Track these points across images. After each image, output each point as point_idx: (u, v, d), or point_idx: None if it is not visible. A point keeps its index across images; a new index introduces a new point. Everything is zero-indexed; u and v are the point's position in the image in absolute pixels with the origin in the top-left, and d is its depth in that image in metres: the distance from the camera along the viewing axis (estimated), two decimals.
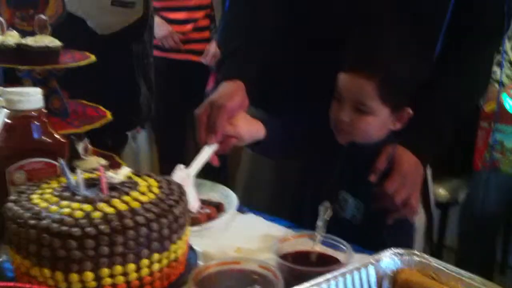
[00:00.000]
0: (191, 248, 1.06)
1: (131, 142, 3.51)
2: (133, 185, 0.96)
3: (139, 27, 2.29)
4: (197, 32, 3.08)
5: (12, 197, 0.94)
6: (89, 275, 0.84)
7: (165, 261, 0.91)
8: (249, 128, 1.22)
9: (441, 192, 2.69)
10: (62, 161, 0.99)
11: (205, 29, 3.11)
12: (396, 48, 1.21)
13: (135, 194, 0.92)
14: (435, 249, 2.69)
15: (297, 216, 1.33)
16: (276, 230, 1.23)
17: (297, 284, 0.84)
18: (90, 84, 1.73)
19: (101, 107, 1.58)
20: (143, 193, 0.93)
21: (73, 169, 0.98)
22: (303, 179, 1.39)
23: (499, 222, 2.52)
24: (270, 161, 1.49)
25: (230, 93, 1.22)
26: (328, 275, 0.87)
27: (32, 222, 0.86)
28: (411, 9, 1.25)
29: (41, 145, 1.11)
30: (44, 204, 0.90)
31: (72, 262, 0.84)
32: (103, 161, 1.38)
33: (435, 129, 1.29)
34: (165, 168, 1.11)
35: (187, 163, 1.20)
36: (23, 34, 1.48)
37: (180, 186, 1.00)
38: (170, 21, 3.04)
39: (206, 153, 1.18)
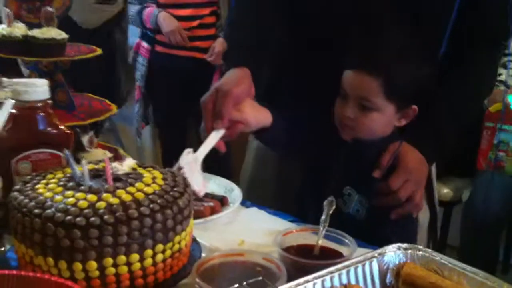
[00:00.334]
0: (194, 241, 1.07)
1: (135, 137, 3.52)
2: (138, 176, 0.96)
3: (120, 18, 2.33)
4: (202, 29, 3.08)
5: (17, 187, 0.94)
6: (93, 265, 0.84)
7: (168, 252, 0.91)
8: (256, 114, 1.21)
9: (444, 191, 2.69)
10: (67, 151, 0.99)
11: (211, 26, 3.11)
12: (398, 48, 1.21)
13: (139, 185, 0.92)
14: (437, 247, 2.69)
15: (301, 211, 1.33)
16: (280, 224, 1.23)
17: (300, 276, 0.85)
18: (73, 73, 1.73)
19: (106, 101, 1.58)
20: (147, 184, 0.93)
21: (78, 161, 0.98)
22: (307, 174, 1.39)
23: (502, 222, 2.52)
24: (274, 157, 1.49)
25: (236, 79, 1.21)
26: (332, 268, 0.88)
27: (37, 211, 0.86)
28: (414, 9, 1.24)
29: (46, 136, 1.11)
30: (49, 194, 0.90)
31: (76, 252, 0.84)
32: (108, 154, 1.38)
33: (439, 130, 1.29)
34: (168, 164, 1.10)
35: None
36: (30, 26, 1.49)
37: (184, 179, 1.00)
38: (176, 18, 3.04)
39: (213, 138, 1.16)
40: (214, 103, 1.18)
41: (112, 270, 0.86)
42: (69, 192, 0.89)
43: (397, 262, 0.92)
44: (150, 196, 0.90)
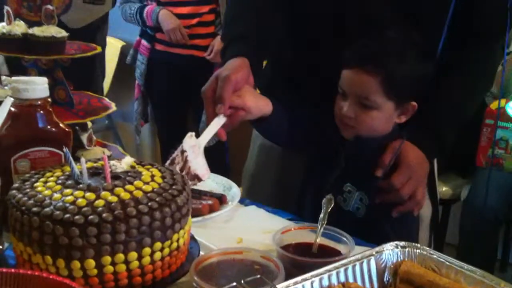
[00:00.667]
0: (193, 239, 1.07)
1: (134, 135, 3.52)
2: (136, 175, 0.96)
3: (104, 19, 2.33)
4: (202, 27, 3.08)
5: (16, 185, 0.95)
6: (91, 263, 0.85)
7: (167, 250, 0.91)
8: (257, 101, 1.20)
9: (443, 189, 2.69)
10: (66, 149, 0.99)
11: (210, 24, 3.10)
12: (397, 47, 1.21)
13: (138, 183, 0.92)
14: (436, 245, 2.69)
15: (301, 208, 1.33)
16: (278, 222, 1.24)
17: (298, 274, 0.85)
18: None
19: (105, 98, 1.58)
20: (146, 183, 0.93)
21: (77, 159, 0.98)
22: (308, 171, 1.39)
23: (500, 220, 2.52)
24: (277, 154, 1.49)
25: (235, 66, 1.20)
26: (329, 267, 0.88)
27: (35, 209, 0.86)
28: (411, 8, 1.24)
29: (45, 134, 1.11)
30: (47, 192, 0.90)
31: (74, 250, 0.84)
32: (107, 152, 1.38)
33: (438, 127, 1.29)
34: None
35: None
36: (30, 24, 1.49)
37: (183, 176, 1.00)
38: (175, 16, 3.04)
39: (215, 124, 1.15)
40: (214, 91, 1.17)
41: (110, 268, 0.86)
42: (67, 190, 0.90)
43: (394, 260, 0.93)
44: (149, 194, 0.90)
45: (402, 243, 0.94)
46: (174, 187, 0.94)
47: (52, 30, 1.45)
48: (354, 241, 1.03)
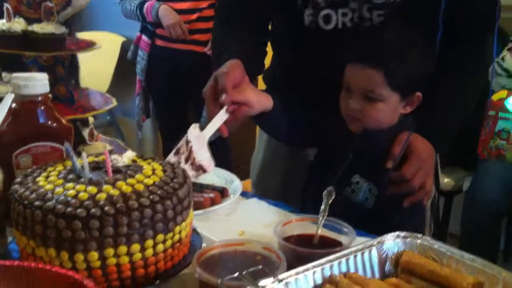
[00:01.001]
0: (195, 231, 1.07)
1: (136, 131, 3.53)
2: (138, 168, 0.97)
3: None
4: (201, 22, 3.08)
5: (18, 180, 0.95)
6: (94, 255, 0.85)
7: (169, 243, 0.91)
8: (258, 96, 1.21)
9: (445, 180, 2.69)
10: (67, 144, 0.99)
11: (210, 19, 3.09)
12: (399, 40, 1.22)
13: (139, 176, 0.93)
14: (439, 236, 2.70)
15: (308, 201, 1.34)
16: (280, 214, 1.24)
17: (299, 266, 0.85)
18: None
19: (106, 94, 1.59)
20: (147, 176, 0.94)
21: (78, 154, 0.99)
22: (315, 163, 1.40)
23: (503, 210, 2.52)
24: (283, 147, 1.50)
25: (231, 65, 1.22)
26: (331, 257, 0.88)
27: (38, 203, 0.87)
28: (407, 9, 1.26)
29: (46, 130, 1.12)
30: (49, 186, 0.90)
31: (77, 243, 0.85)
32: (109, 147, 1.39)
33: (443, 117, 1.31)
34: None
35: None
36: (30, 21, 1.49)
37: (184, 170, 1.01)
38: (175, 11, 3.04)
39: (218, 119, 1.15)
40: (214, 89, 1.18)
41: (113, 260, 0.86)
42: (69, 184, 0.90)
43: (396, 251, 0.93)
44: (150, 187, 0.91)
45: (403, 234, 0.94)
46: (175, 180, 0.95)
47: (51, 27, 1.45)
48: (356, 232, 1.03)
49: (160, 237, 0.90)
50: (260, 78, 1.56)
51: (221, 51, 1.32)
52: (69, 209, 0.85)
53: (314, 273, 0.85)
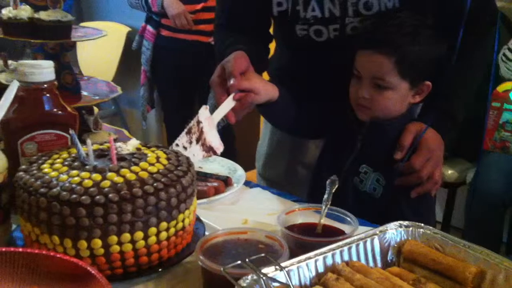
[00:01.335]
0: (198, 220, 1.08)
1: (141, 121, 3.53)
2: (142, 156, 0.97)
3: None
4: (207, 12, 3.07)
5: (23, 167, 0.96)
6: (98, 242, 0.86)
7: (172, 230, 0.92)
8: (264, 84, 1.22)
9: (449, 172, 2.69)
10: (72, 131, 1.00)
11: (215, 9, 3.09)
12: (411, 28, 1.22)
13: (144, 164, 0.93)
14: (442, 228, 2.70)
15: (315, 191, 1.34)
16: (283, 204, 1.24)
17: (302, 254, 0.86)
18: None
19: (111, 82, 1.59)
20: (152, 164, 0.94)
21: (83, 143, 0.99)
22: (322, 155, 1.40)
23: (506, 202, 2.52)
24: (288, 137, 1.50)
25: (237, 55, 1.23)
26: (333, 246, 0.88)
27: (43, 190, 0.87)
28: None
29: (52, 117, 1.12)
30: (54, 174, 0.91)
31: (81, 230, 0.85)
32: (113, 135, 1.39)
33: (451, 107, 1.31)
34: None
35: None
36: (36, 8, 1.49)
37: (188, 158, 1.01)
38: (180, 1, 3.03)
39: (226, 105, 1.16)
40: (221, 77, 1.20)
41: (116, 247, 0.87)
42: (74, 172, 0.91)
43: (398, 240, 0.93)
44: (154, 175, 0.91)
45: (405, 223, 0.94)
46: (179, 168, 0.95)
47: (58, 15, 1.45)
48: (359, 222, 1.03)
49: (164, 225, 0.90)
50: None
51: (224, 48, 1.32)
52: (73, 196, 0.85)
53: (316, 261, 0.85)
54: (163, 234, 0.91)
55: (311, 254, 0.86)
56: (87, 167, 0.92)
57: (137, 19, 3.47)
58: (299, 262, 0.84)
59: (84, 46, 3.75)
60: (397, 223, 0.94)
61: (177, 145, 1.11)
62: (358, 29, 1.29)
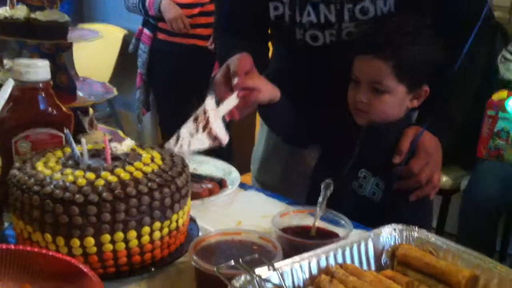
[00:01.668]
0: (192, 220, 1.08)
1: (136, 124, 3.53)
2: (137, 156, 0.97)
3: None
4: (203, 17, 3.07)
5: (17, 165, 0.95)
6: (91, 241, 0.86)
7: (166, 230, 0.92)
8: (267, 84, 1.24)
9: (443, 179, 2.69)
10: (67, 130, 1.00)
11: (212, 13, 3.08)
12: (408, 32, 1.22)
13: (138, 164, 0.93)
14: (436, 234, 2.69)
15: (313, 195, 1.34)
16: (277, 206, 1.24)
17: (296, 256, 0.85)
18: None
19: (107, 83, 1.59)
20: (146, 164, 0.94)
21: (78, 142, 0.99)
22: (322, 157, 1.40)
23: (500, 210, 2.52)
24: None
25: (242, 56, 1.24)
26: (327, 248, 0.88)
27: (36, 188, 0.87)
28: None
29: (46, 116, 1.12)
30: (48, 172, 0.91)
31: (74, 228, 0.85)
32: (108, 136, 1.39)
33: (449, 112, 1.31)
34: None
35: None
36: (33, 8, 1.49)
37: (183, 159, 1.01)
38: (177, 5, 3.04)
39: (230, 101, 1.17)
40: (225, 76, 1.21)
41: (109, 246, 0.87)
42: (68, 170, 0.90)
43: (392, 243, 0.93)
44: (149, 175, 0.91)
45: (400, 226, 0.94)
46: (173, 168, 0.95)
47: (54, 15, 1.44)
48: (353, 225, 1.03)
49: (157, 224, 0.90)
50: None
51: (226, 51, 1.33)
52: (67, 194, 0.85)
53: (310, 263, 0.85)
54: (157, 234, 0.90)
55: (305, 255, 0.85)
56: (81, 166, 0.92)
57: (134, 22, 3.47)
58: (292, 263, 0.84)
59: (81, 48, 3.73)
60: (391, 226, 0.94)
61: (181, 132, 1.12)
62: (353, 34, 1.29)
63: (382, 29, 1.24)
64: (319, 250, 0.87)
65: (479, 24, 1.19)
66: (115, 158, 0.96)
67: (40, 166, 0.93)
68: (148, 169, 0.93)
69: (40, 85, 1.10)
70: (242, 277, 0.78)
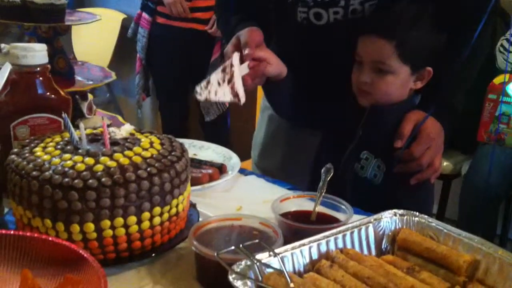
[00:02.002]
0: (192, 206, 1.07)
1: (136, 109, 3.52)
2: (136, 141, 0.96)
3: None
4: (203, 0, 3.05)
5: (15, 150, 0.95)
6: (90, 227, 0.85)
7: (166, 216, 0.91)
8: (276, 58, 1.25)
9: (444, 164, 2.69)
10: (65, 115, 0.99)
11: None
12: (412, 14, 1.22)
13: (137, 149, 0.93)
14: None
15: (315, 179, 1.34)
16: (278, 192, 1.23)
17: (296, 241, 0.85)
18: None
19: (105, 68, 1.58)
20: (145, 149, 0.93)
21: (77, 128, 0.98)
22: (324, 139, 1.40)
23: (500, 195, 2.52)
24: (286, 124, 1.50)
25: (252, 29, 1.26)
26: (327, 233, 0.88)
27: (35, 173, 0.86)
28: None
29: (45, 101, 1.11)
30: (46, 157, 0.90)
31: (74, 213, 0.85)
32: (107, 121, 1.38)
33: (450, 96, 1.31)
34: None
35: (190, 132, 1.19)
36: None
37: (181, 144, 1.00)
38: None
39: (243, 68, 1.18)
40: (237, 47, 1.22)
41: (109, 232, 0.86)
42: (66, 155, 0.90)
43: (393, 228, 0.93)
44: (148, 160, 0.90)
45: (400, 211, 0.94)
46: (173, 153, 0.95)
47: None
48: (353, 210, 1.03)
49: (157, 210, 0.90)
50: None
51: (233, 26, 1.32)
52: (66, 179, 0.84)
53: (310, 248, 0.85)
54: (156, 219, 0.90)
55: (305, 241, 0.85)
56: (80, 151, 0.91)
57: (132, 6, 3.45)
58: (293, 248, 0.83)
59: (79, 33, 3.72)
60: (391, 211, 0.94)
61: (212, 78, 1.13)
62: (358, 11, 1.28)
63: (385, 11, 1.24)
64: (319, 235, 0.87)
65: (487, 15, 1.19)
66: (114, 143, 0.96)
67: (38, 151, 0.93)
68: (147, 154, 0.92)
69: (38, 69, 1.10)
70: (243, 262, 0.78)
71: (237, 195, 1.23)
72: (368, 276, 0.80)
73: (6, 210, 1.03)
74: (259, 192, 1.25)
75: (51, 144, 0.95)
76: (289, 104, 1.34)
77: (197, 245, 0.85)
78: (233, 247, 0.80)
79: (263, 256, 0.80)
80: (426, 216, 0.93)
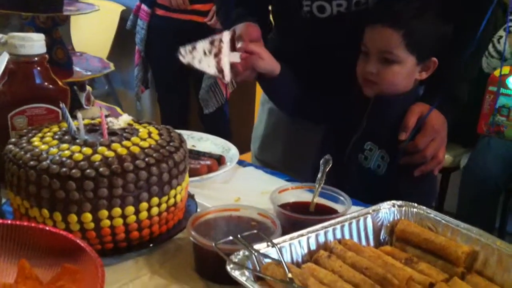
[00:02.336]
0: (191, 197, 1.07)
1: (135, 101, 3.51)
2: (134, 131, 0.96)
3: None
4: None
5: (13, 140, 0.94)
6: (88, 217, 0.85)
7: (164, 206, 0.91)
8: (269, 55, 1.25)
9: None
10: (63, 105, 0.98)
11: None
12: (418, 5, 1.22)
13: (135, 139, 0.92)
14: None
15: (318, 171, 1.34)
16: (276, 183, 1.23)
17: (294, 232, 0.85)
18: None
19: (104, 58, 1.57)
20: (143, 139, 0.93)
21: (75, 118, 0.98)
22: (328, 130, 1.40)
23: (499, 188, 2.52)
24: (286, 117, 1.49)
25: (250, 24, 1.26)
26: (325, 224, 0.88)
27: (32, 163, 0.86)
28: None
29: (42, 91, 1.11)
30: (44, 147, 0.90)
31: (71, 203, 0.84)
32: (105, 111, 1.38)
33: (453, 87, 1.30)
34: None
35: (189, 124, 1.20)
36: None
37: (180, 135, 1.00)
38: None
39: (234, 56, 1.19)
40: (232, 39, 1.22)
41: (107, 222, 0.86)
42: (64, 145, 0.89)
43: (391, 219, 0.93)
44: (146, 150, 0.90)
45: (399, 202, 0.94)
46: (171, 143, 0.94)
47: None
48: (352, 201, 1.03)
49: (155, 200, 0.89)
50: None
51: (233, 19, 1.32)
52: (63, 169, 0.84)
53: (308, 238, 0.85)
54: (155, 210, 0.90)
55: (304, 231, 0.85)
56: (77, 141, 0.91)
57: None
58: (291, 239, 0.83)
59: (78, 24, 3.71)
60: (390, 202, 0.94)
61: (198, 45, 1.17)
62: (361, 3, 1.28)
63: (393, 3, 1.24)
64: (317, 226, 0.87)
65: (493, 6, 1.19)
66: (112, 133, 0.95)
67: (36, 141, 0.92)
68: (145, 144, 0.92)
69: (36, 59, 1.09)
70: (241, 253, 0.78)
71: (236, 186, 1.23)
72: (366, 266, 0.80)
73: (3, 200, 1.02)
74: (257, 183, 1.25)
75: (48, 134, 0.95)
76: (291, 99, 1.34)
77: (195, 236, 0.85)
78: (231, 238, 0.80)
79: (261, 247, 0.80)
80: (424, 207, 0.93)
